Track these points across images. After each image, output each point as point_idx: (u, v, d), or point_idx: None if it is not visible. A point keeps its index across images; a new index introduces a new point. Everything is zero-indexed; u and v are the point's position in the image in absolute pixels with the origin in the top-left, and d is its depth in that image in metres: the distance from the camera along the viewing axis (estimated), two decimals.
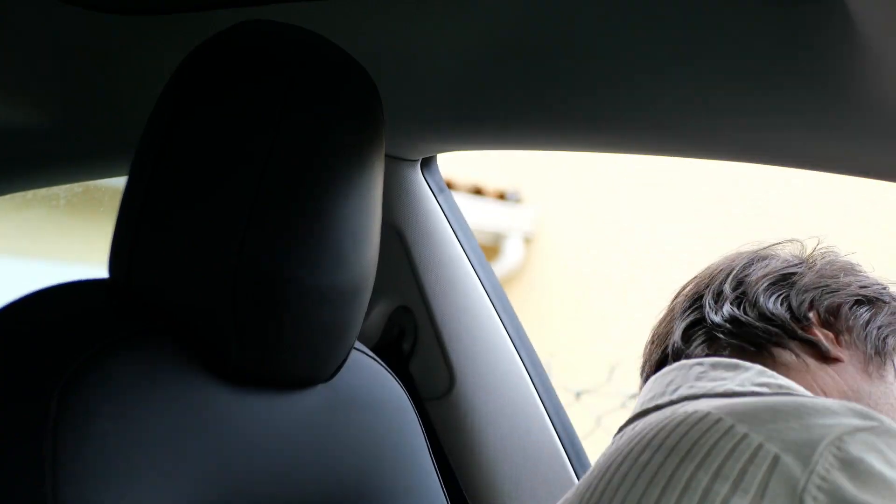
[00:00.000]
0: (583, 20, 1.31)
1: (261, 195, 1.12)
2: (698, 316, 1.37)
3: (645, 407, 1.27)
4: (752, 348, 1.33)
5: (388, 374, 1.31)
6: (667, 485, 1.11)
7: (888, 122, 1.24)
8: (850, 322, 1.35)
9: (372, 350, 1.33)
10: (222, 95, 1.14)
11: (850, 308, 1.35)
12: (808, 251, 1.41)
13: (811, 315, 1.34)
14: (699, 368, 1.29)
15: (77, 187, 1.96)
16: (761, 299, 1.35)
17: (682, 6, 1.25)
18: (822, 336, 1.33)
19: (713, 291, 1.38)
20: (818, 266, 1.38)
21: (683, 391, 1.26)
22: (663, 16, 1.26)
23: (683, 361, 1.31)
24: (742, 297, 1.36)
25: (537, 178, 7.28)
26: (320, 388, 1.21)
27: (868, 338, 1.34)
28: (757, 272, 1.38)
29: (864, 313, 1.35)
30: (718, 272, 1.40)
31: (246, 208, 1.11)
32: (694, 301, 1.39)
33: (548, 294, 7.14)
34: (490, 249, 7.15)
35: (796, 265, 1.38)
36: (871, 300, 1.36)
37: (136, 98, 1.54)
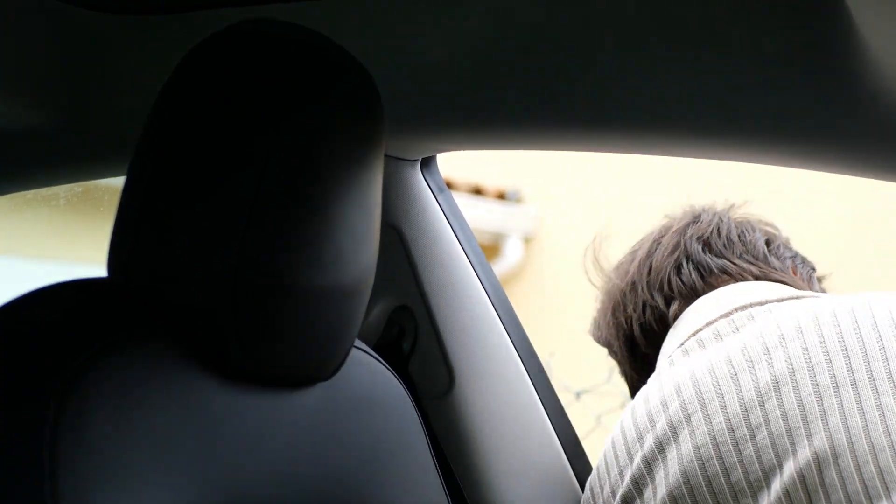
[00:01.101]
0: (583, 20, 1.31)
1: (261, 195, 1.12)
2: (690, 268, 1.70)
3: (754, 301, 1.59)
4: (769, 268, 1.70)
5: (389, 373, 1.31)
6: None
7: (888, 122, 1.24)
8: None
9: (371, 349, 1.33)
10: (222, 95, 1.14)
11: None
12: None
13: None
14: (752, 285, 1.65)
15: (77, 187, 1.95)
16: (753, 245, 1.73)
17: (683, 6, 1.25)
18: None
19: (705, 247, 1.71)
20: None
21: (778, 295, 1.59)
22: (664, 16, 1.26)
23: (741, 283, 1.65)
24: (735, 242, 1.72)
25: (537, 178, 7.28)
26: (320, 386, 1.21)
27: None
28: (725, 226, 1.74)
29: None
30: (682, 234, 1.72)
31: (246, 208, 1.11)
32: (673, 251, 1.72)
33: (547, 294, 7.13)
34: (490, 249, 7.15)
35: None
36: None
37: (136, 98, 1.54)
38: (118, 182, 1.24)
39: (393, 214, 1.60)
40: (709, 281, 1.67)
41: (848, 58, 1.19)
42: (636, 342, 1.70)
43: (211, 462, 1.12)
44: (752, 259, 1.70)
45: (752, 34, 1.24)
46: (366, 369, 1.29)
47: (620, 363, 1.74)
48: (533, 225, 7.28)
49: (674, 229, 1.72)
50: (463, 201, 6.67)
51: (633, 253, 1.75)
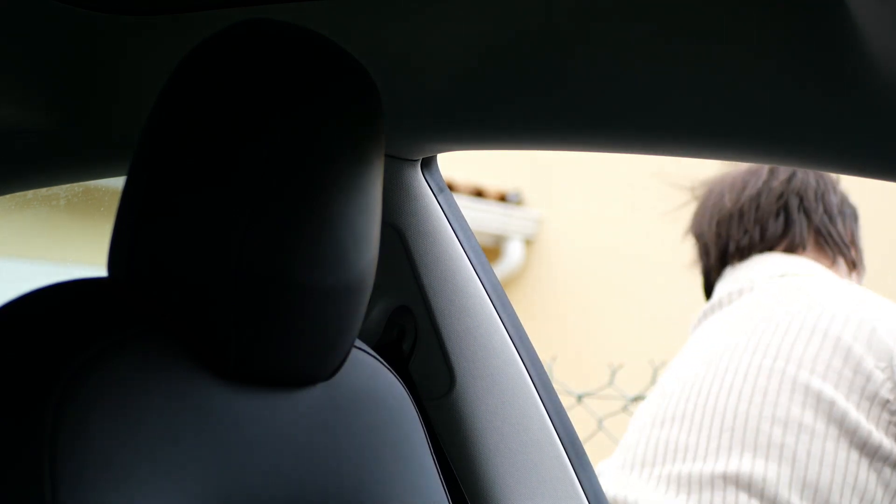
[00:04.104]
0: (583, 19, 1.31)
1: (261, 195, 1.12)
2: (785, 216, 2.19)
3: (755, 277, 2.17)
4: (830, 252, 2.22)
5: (389, 373, 1.31)
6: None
7: (888, 121, 1.23)
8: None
9: (372, 350, 1.33)
10: (222, 95, 1.14)
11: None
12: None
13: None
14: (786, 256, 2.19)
15: (77, 187, 1.95)
16: (839, 224, 2.21)
17: (683, 7, 1.25)
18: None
19: (800, 204, 2.19)
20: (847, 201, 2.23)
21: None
22: (663, 16, 1.26)
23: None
24: (823, 213, 2.19)
25: (538, 181, 7.28)
26: (321, 386, 1.21)
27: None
28: (832, 195, 2.22)
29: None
30: (789, 182, 2.19)
31: (246, 207, 1.12)
32: (780, 196, 2.20)
33: (549, 296, 7.14)
34: (491, 251, 7.15)
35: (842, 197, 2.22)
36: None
37: (136, 98, 1.54)
38: (118, 182, 1.24)
39: (393, 214, 1.60)
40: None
41: (848, 58, 1.19)
42: (728, 254, 2.23)
43: (211, 462, 1.12)
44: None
45: (752, 35, 1.24)
46: (366, 369, 1.29)
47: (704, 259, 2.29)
48: (534, 227, 7.28)
49: (781, 178, 2.19)
50: (464, 203, 6.68)
51: (745, 182, 2.22)
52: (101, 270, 1.19)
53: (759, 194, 2.20)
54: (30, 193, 1.89)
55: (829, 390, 1.93)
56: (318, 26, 1.20)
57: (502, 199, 7.27)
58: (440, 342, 1.60)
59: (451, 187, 1.68)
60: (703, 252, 2.30)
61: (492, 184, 7.19)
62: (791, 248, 2.20)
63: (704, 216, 2.28)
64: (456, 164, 6.32)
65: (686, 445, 2.00)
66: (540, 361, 1.67)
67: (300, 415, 1.20)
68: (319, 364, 1.18)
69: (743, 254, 2.23)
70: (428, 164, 1.64)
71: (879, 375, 1.93)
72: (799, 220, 2.18)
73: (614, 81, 1.36)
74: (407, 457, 1.28)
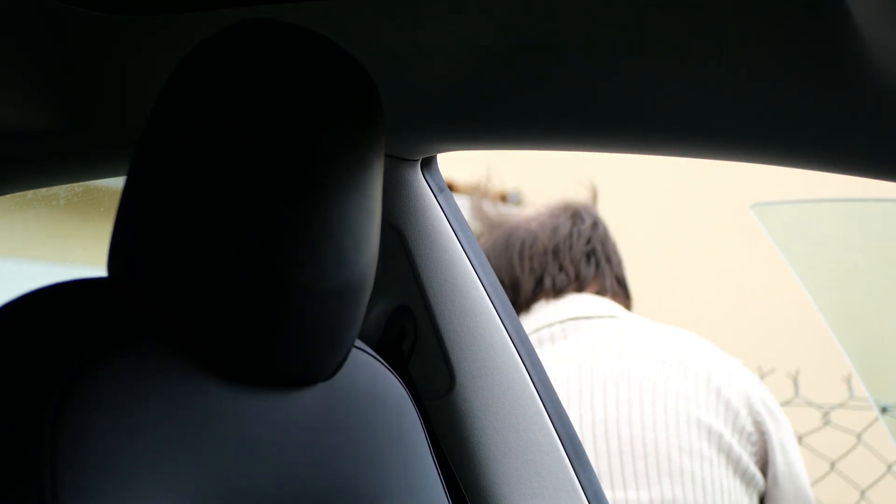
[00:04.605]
0: (584, 19, 1.31)
1: (261, 195, 1.12)
2: (595, 261, 2.33)
3: (587, 314, 2.26)
4: (625, 301, 2.38)
5: (389, 373, 1.31)
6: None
7: (889, 122, 1.23)
8: None
9: (372, 350, 1.33)
10: (222, 95, 1.14)
11: None
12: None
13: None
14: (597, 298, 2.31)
15: (77, 187, 1.95)
16: (623, 272, 2.38)
17: (684, 8, 1.25)
18: None
19: (603, 250, 2.35)
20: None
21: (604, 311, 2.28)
22: (664, 15, 1.26)
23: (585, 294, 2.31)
24: (619, 262, 2.36)
25: (539, 180, 7.28)
26: (321, 386, 1.21)
27: None
28: (614, 244, 2.40)
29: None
30: (594, 229, 2.37)
31: (246, 208, 1.12)
32: (588, 241, 2.34)
33: None
34: None
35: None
36: None
37: (136, 98, 1.54)
38: (118, 182, 1.24)
39: (393, 214, 1.60)
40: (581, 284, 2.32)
41: (848, 58, 1.19)
42: (543, 289, 2.31)
43: (211, 462, 1.12)
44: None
45: (752, 35, 1.24)
46: (366, 369, 1.29)
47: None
48: None
49: (587, 224, 2.36)
50: (464, 203, 6.66)
51: (555, 224, 2.35)
52: (101, 270, 1.19)
53: (570, 235, 2.34)
54: (30, 193, 1.89)
55: (717, 424, 2.11)
56: (318, 26, 1.20)
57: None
58: (440, 342, 1.60)
59: (451, 187, 1.68)
60: (509, 288, 2.35)
61: (492, 184, 7.17)
62: (601, 292, 2.34)
63: (512, 252, 2.35)
64: (456, 164, 6.31)
65: (598, 472, 2.10)
66: (539, 361, 1.67)
67: (300, 415, 1.20)
68: (319, 364, 1.18)
69: (559, 291, 2.32)
70: (428, 164, 1.64)
71: (743, 411, 2.14)
72: (606, 267, 2.34)
73: (614, 82, 1.36)
74: (407, 457, 1.28)
